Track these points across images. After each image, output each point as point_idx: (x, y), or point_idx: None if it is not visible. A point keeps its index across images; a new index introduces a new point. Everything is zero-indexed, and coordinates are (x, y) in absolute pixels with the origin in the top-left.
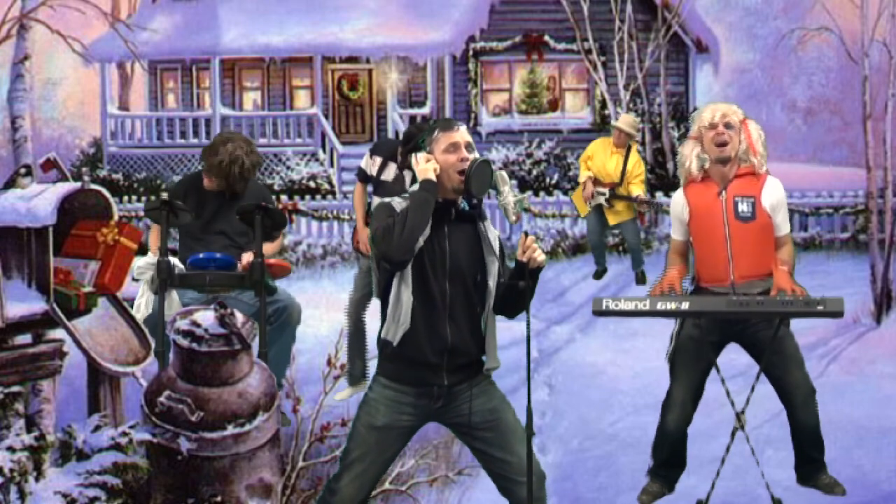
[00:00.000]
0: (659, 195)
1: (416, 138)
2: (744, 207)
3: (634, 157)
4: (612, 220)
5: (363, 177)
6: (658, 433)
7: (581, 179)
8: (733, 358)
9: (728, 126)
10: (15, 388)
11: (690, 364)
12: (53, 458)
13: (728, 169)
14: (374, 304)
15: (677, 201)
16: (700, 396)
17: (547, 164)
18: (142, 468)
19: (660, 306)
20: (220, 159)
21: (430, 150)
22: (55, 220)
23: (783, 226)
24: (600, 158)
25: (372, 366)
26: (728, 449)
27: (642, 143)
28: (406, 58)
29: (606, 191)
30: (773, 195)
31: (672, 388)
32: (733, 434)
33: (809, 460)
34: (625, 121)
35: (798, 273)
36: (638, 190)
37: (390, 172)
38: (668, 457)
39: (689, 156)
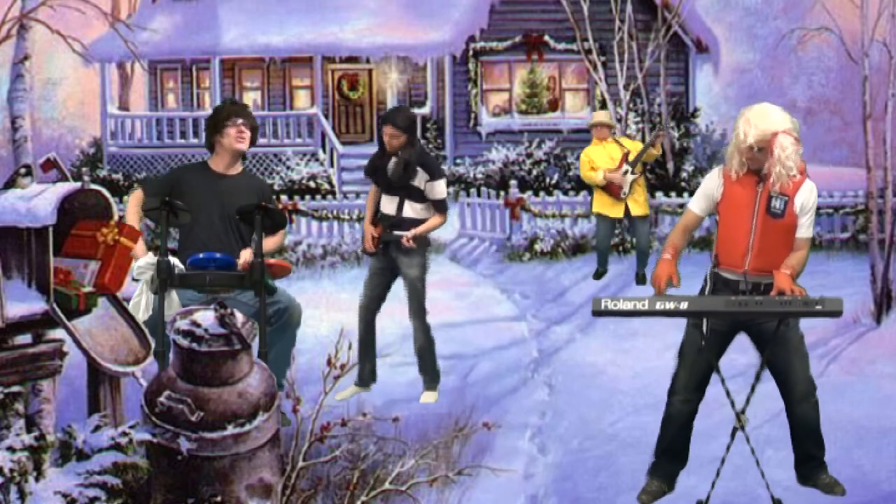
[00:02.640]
0: (659, 195)
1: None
2: (777, 204)
3: (624, 139)
4: (634, 210)
5: (371, 172)
6: (663, 419)
7: (598, 178)
8: (734, 358)
9: (751, 149)
10: (15, 388)
11: (695, 350)
12: (53, 458)
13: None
14: (384, 307)
15: (714, 178)
16: (705, 385)
17: (547, 164)
18: (142, 468)
19: (659, 306)
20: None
21: None
22: (55, 220)
23: (804, 228)
24: (601, 158)
25: (379, 367)
26: (728, 449)
27: (642, 144)
28: (406, 58)
29: (627, 167)
30: (805, 198)
31: (676, 372)
32: (733, 434)
33: (809, 458)
34: (598, 116)
35: None
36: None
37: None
38: (670, 446)
39: (733, 154)
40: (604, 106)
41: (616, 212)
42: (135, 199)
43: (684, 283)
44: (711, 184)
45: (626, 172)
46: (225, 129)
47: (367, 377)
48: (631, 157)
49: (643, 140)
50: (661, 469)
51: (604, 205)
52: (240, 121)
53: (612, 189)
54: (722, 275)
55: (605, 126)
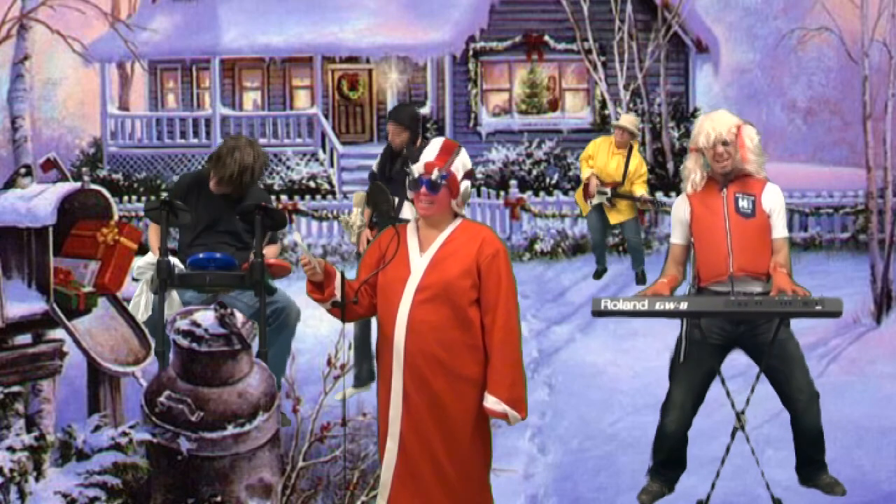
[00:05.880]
0: (659, 195)
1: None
2: (744, 203)
3: (636, 157)
4: (613, 219)
5: (372, 179)
6: (657, 435)
7: (584, 177)
8: (733, 358)
9: (725, 144)
10: (15, 388)
11: (690, 366)
12: (53, 458)
13: (729, 172)
14: None
15: (679, 204)
16: (701, 400)
17: (547, 164)
18: (142, 468)
19: (658, 306)
20: (230, 171)
21: None
22: (55, 220)
23: (779, 228)
24: (602, 158)
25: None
26: (728, 449)
27: (642, 143)
28: (406, 58)
29: (608, 190)
30: (772, 198)
31: (671, 389)
32: (733, 434)
33: (811, 461)
34: (627, 120)
35: (798, 273)
36: (641, 190)
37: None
38: (667, 457)
39: (693, 168)
40: (604, 106)
41: (584, 208)
42: (153, 231)
43: (684, 285)
44: (680, 210)
45: (604, 193)
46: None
47: (364, 377)
48: (622, 189)
49: (643, 140)
50: (661, 474)
51: (579, 196)
52: (222, 187)
53: (586, 190)
54: (709, 289)
55: (627, 132)
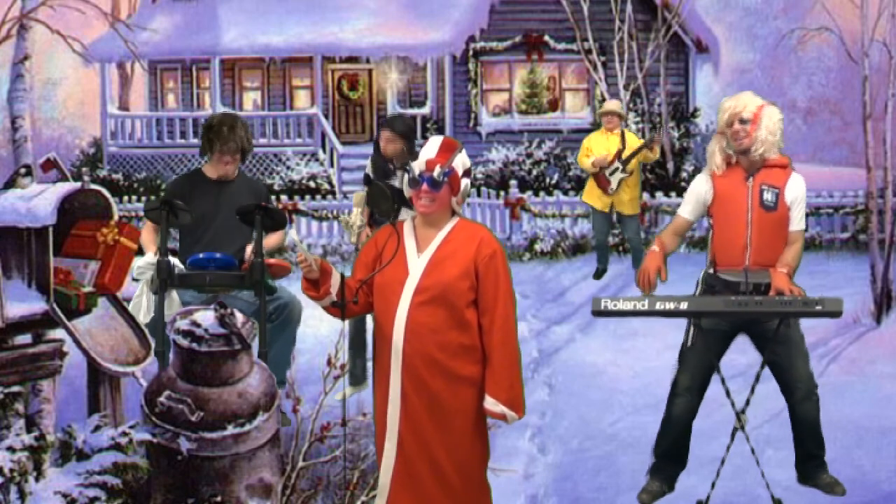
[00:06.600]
0: (659, 195)
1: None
2: (769, 196)
3: (630, 134)
4: (619, 207)
5: (367, 181)
6: (662, 423)
7: (588, 164)
8: (733, 358)
9: (742, 122)
10: (15, 388)
11: (698, 352)
12: (53, 458)
13: (753, 157)
14: None
15: (701, 182)
16: (705, 387)
17: (547, 164)
18: (142, 468)
19: (658, 306)
20: (235, 141)
21: None
22: (55, 220)
23: (797, 221)
24: (600, 146)
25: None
26: (728, 449)
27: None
28: (406, 58)
29: (619, 164)
30: (795, 191)
31: (678, 375)
32: (733, 434)
33: (810, 457)
34: (612, 104)
35: (798, 273)
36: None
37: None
38: (670, 448)
39: (715, 150)
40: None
41: (602, 204)
42: (147, 230)
43: (684, 284)
44: (700, 188)
45: (616, 170)
46: (214, 157)
47: (359, 375)
48: (625, 156)
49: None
50: (662, 470)
51: (591, 195)
52: (226, 158)
53: (600, 181)
54: (721, 277)
55: (615, 115)
